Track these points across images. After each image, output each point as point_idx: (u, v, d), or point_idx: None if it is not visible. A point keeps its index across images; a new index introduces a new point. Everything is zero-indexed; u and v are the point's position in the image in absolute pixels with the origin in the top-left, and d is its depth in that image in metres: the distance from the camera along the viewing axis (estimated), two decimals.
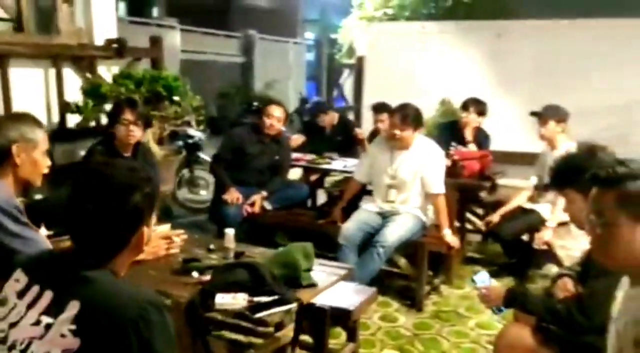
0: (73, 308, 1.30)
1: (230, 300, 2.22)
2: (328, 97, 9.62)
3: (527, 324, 2.37)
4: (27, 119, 2.30)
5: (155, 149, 4.65)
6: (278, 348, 2.84)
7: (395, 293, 4.09)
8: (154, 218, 1.52)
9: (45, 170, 2.31)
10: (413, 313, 3.84)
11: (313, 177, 5.59)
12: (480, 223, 4.93)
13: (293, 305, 2.31)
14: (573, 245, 3.32)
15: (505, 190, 4.91)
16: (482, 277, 2.49)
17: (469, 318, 3.79)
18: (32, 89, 4.80)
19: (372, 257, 3.73)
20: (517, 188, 4.68)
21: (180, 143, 5.93)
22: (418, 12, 8.51)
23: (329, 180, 5.71)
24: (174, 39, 10.52)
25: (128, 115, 3.56)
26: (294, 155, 5.22)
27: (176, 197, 6.04)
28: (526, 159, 5.07)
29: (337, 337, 3.15)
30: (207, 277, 2.39)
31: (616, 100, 6.79)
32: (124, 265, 1.48)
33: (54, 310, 1.33)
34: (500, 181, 5.00)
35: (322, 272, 2.59)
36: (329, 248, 3.78)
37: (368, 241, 3.83)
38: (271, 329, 3.03)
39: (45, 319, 1.33)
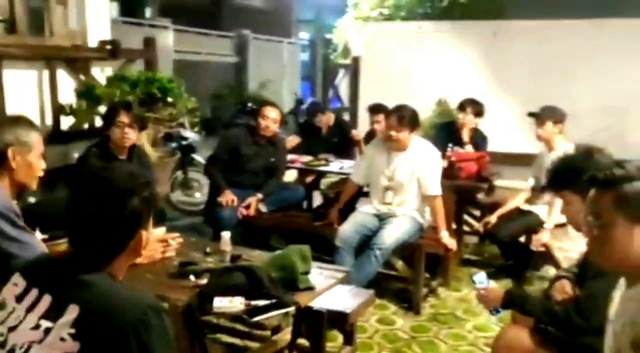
0: (72, 312, 1.31)
1: (228, 304, 2.22)
2: (323, 97, 9.58)
3: (526, 326, 2.38)
4: (22, 122, 2.29)
5: (149, 151, 4.63)
6: (275, 351, 2.84)
7: (392, 295, 4.09)
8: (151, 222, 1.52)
9: (41, 173, 2.30)
10: (410, 316, 3.84)
11: (309, 179, 5.57)
12: (477, 225, 4.93)
13: (291, 309, 2.30)
14: (570, 247, 3.32)
15: (503, 192, 4.92)
16: (481, 278, 2.50)
17: (467, 320, 3.79)
18: (26, 91, 4.77)
19: (369, 260, 3.73)
20: (515, 190, 4.68)
21: (174, 145, 5.92)
22: (414, 12, 8.51)
23: (324, 182, 5.71)
24: (167, 40, 10.49)
25: (123, 118, 3.56)
26: (290, 156, 5.21)
27: (170, 200, 6.02)
28: (523, 160, 5.08)
29: (334, 340, 3.14)
30: (204, 281, 2.38)
31: (612, 100, 6.83)
32: (122, 268, 1.49)
33: (53, 314, 1.34)
34: (498, 182, 5.01)
35: (319, 275, 2.59)
36: (325, 251, 3.77)
37: (365, 243, 3.82)
38: (268, 333, 3.03)
39: (45, 323, 1.34)
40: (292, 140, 6.01)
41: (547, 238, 3.88)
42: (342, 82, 9.46)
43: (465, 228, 5.13)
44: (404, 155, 3.94)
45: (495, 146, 5.27)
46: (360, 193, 4.53)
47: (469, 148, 4.97)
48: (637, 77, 6.77)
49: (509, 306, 2.40)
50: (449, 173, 4.45)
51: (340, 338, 3.07)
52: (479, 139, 5.05)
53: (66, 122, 4.98)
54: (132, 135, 3.60)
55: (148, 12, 14.30)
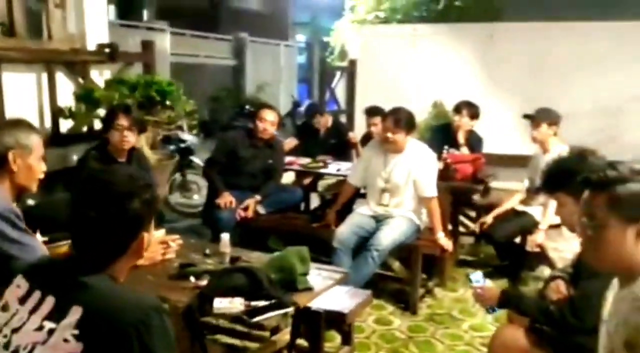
0: (75, 313, 1.32)
1: (228, 305, 2.24)
2: (320, 100, 9.63)
3: (521, 325, 2.41)
4: (22, 125, 2.30)
5: (148, 153, 4.65)
6: (274, 352, 2.86)
7: (389, 296, 4.12)
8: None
9: (41, 176, 2.32)
10: (407, 316, 3.87)
11: (306, 181, 5.60)
12: (473, 226, 4.97)
13: (290, 309, 2.33)
14: (565, 248, 3.36)
15: (498, 193, 4.95)
16: (477, 277, 2.53)
17: (463, 320, 3.82)
18: (25, 94, 4.78)
19: (367, 261, 3.76)
20: (510, 191, 4.72)
21: (173, 147, 5.94)
22: (410, 15, 8.53)
23: (322, 184, 5.73)
24: (164, 42, 10.49)
25: (122, 121, 3.57)
26: (287, 158, 5.23)
27: (168, 202, 6.04)
28: (518, 162, 5.12)
29: (332, 340, 3.17)
30: (204, 282, 2.40)
31: (607, 101, 6.87)
32: (124, 270, 1.51)
33: (56, 315, 1.35)
34: (493, 184, 5.04)
35: (317, 275, 2.61)
36: (323, 252, 3.79)
37: (362, 245, 3.85)
38: (267, 333, 3.06)
39: (48, 324, 1.35)
40: (290, 142, 6.04)
41: (542, 239, 3.92)
42: (339, 85, 9.49)
43: (461, 229, 5.16)
44: (400, 157, 3.97)
45: (491, 148, 5.30)
46: (358, 195, 4.56)
47: (465, 150, 5.00)
48: (632, 79, 6.81)
49: (504, 306, 2.44)
50: (444, 175, 4.49)
51: (338, 338, 3.09)
52: (474, 141, 5.08)
53: (65, 125, 5.00)
54: (131, 138, 3.62)
55: (145, 14, 14.29)
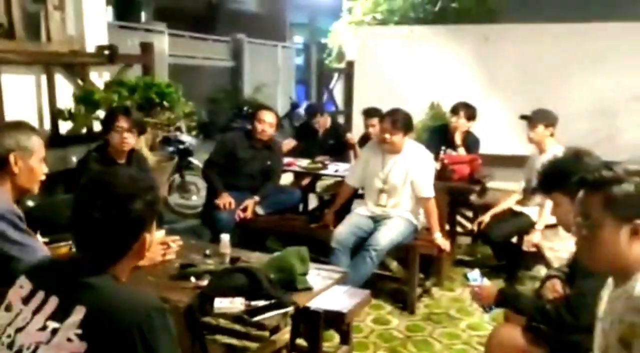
0: (79, 313, 1.34)
1: (228, 304, 2.26)
2: (318, 101, 9.68)
3: (518, 324, 2.43)
4: (23, 127, 2.32)
5: (147, 154, 4.67)
6: (274, 351, 2.88)
7: (387, 296, 4.14)
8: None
9: (42, 177, 2.33)
10: (405, 316, 3.89)
11: (304, 182, 5.62)
12: (470, 226, 5.00)
13: (289, 309, 2.35)
14: (561, 247, 3.38)
15: (495, 193, 4.98)
16: (475, 275, 2.56)
17: (460, 320, 3.84)
18: (24, 96, 4.79)
19: (365, 261, 3.78)
20: (507, 191, 4.75)
21: (172, 149, 5.95)
22: (407, 16, 8.57)
23: (320, 185, 5.75)
24: (162, 44, 10.50)
25: (122, 123, 3.59)
26: (286, 159, 5.25)
27: (167, 203, 6.06)
28: (515, 162, 5.15)
29: (331, 340, 3.18)
30: (205, 282, 2.42)
31: (603, 102, 6.91)
32: (126, 271, 1.53)
33: (59, 315, 1.37)
34: (490, 184, 5.06)
35: (317, 275, 2.63)
36: (321, 253, 3.81)
37: (360, 245, 3.87)
38: (267, 333, 3.08)
39: (52, 324, 1.37)
40: (288, 144, 6.07)
41: (538, 238, 3.94)
42: (337, 86, 9.53)
43: (459, 229, 5.19)
44: (398, 158, 4.00)
45: (488, 148, 5.33)
46: (356, 195, 4.58)
47: (462, 151, 5.03)
48: (628, 80, 6.85)
49: (501, 304, 2.46)
50: (442, 175, 4.52)
51: (336, 338, 3.10)
52: (471, 142, 5.10)
53: (64, 127, 5.01)
54: (131, 140, 3.64)
55: (143, 16, 14.30)
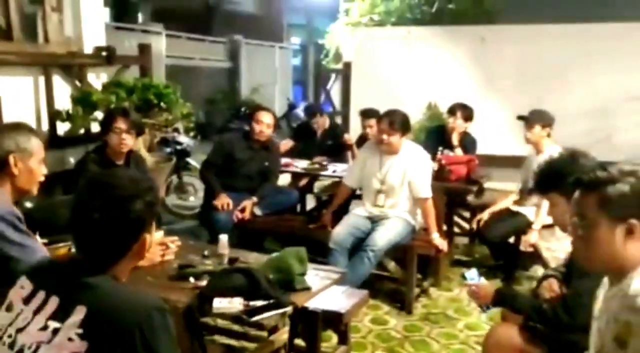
0: (80, 312, 1.35)
1: (227, 304, 2.28)
2: (315, 102, 9.70)
3: (515, 323, 2.44)
4: (22, 128, 2.33)
5: (145, 156, 4.67)
6: (272, 351, 2.89)
7: (385, 296, 4.15)
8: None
9: (42, 179, 2.34)
10: (403, 316, 3.90)
11: (302, 182, 5.63)
12: (468, 227, 5.02)
13: (288, 308, 2.36)
14: (558, 247, 3.39)
15: (492, 194, 5.00)
16: (472, 274, 2.58)
17: (458, 320, 3.86)
18: (22, 97, 4.80)
19: (362, 261, 3.79)
20: (504, 192, 4.77)
21: (169, 150, 5.97)
22: (404, 17, 8.59)
23: (318, 185, 5.76)
24: (160, 45, 10.51)
25: (120, 124, 3.60)
26: (284, 160, 5.26)
27: (165, 204, 6.06)
28: (512, 162, 5.17)
29: (329, 340, 3.19)
30: (203, 282, 2.43)
31: (598, 103, 6.92)
32: (126, 271, 1.54)
33: (60, 315, 1.38)
34: (487, 184, 5.08)
35: (315, 276, 2.65)
36: (319, 253, 3.82)
37: (358, 245, 3.89)
38: (265, 333, 3.09)
39: (53, 324, 1.38)
40: (286, 144, 6.08)
41: (536, 239, 3.96)
42: (334, 87, 9.53)
43: (456, 229, 5.21)
44: (396, 159, 4.01)
45: (485, 149, 5.35)
46: (353, 196, 4.59)
47: (459, 151, 5.04)
48: (624, 81, 6.86)
49: (499, 304, 2.47)
50: (439, 176, 4.54)
51: (334, 338, 3.11)
52: (468, 143, 5.12)
53: (62, 128, 5.01)
54: (129, 141, 3.65)
55: (140, 17, 14.30)
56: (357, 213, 4.11)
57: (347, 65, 8.45)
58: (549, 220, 2.89)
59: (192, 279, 2.49)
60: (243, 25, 15.08)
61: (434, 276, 4.40)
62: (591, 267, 1.64)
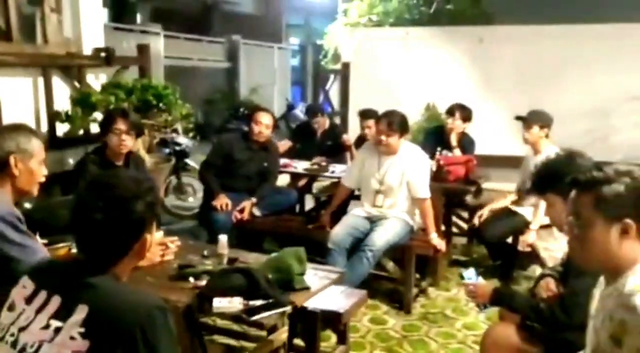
0: (81, 312, 1.36)
1: (227, 304, 2.29)
2: (315, 102, 9.73)
3: (513, 322, 2.46)
4: (23, 129, 2.34)
5: (145, 156, 4.68)
6: (271, 351, 2.90)
7: (383, 296, 4.17)
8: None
9: (42, 179, 2.35)
10: (401, 316, 3.91)
11: (301, 183, 5.64)
12: (466, 227, 5.03)
13: (287, 308, 2.38)
14: (555, 247, 3.41)
15: (490, 194, 5.01)
16: (470, 274, 2.59)
17: (456, 319, 3.87)
18: (21, 98, 4.81)
19: (361, 261, 3.80)
20: (502, 192, 4.78)
21: (168, 150, 5.97)
22: (402, 18, 8.62)
23: (316, 186, 5.77)
24: (158, 45, 10.51)
25: (120, 125, 3.60)
26: (282, 161, 5.27)
27: (164, 204, 6.07)
28: (510, 163, 5.19)
29: (328, 340, 3.21)
30: (203, 282, 2.45)
31: (596, 104, 6.95)
32: (126, 271, 1.55)
33: (62, 314, 1.39)
34: (485, 185, 5.10)
35: (314, 276, 2.66)
36: (318, 253, 3.83)
37: (356, 245, 3.90)
38: (264, 333, 3.10)
39: (55, 323, 1.39)
40: (284, 145, 6.08)
41: (533, 238, 3.97)
42: (333, 87, 9.55)
43: (454, 229, 5.22)
44: (394, 159, 4.02)
45: (483, 149, 5.36)
46: (352, 196, 4.61)
47: (457, 152, 5.05)
48: (621, 81, 6.89)
49: (496, 303, 2.49)
50: (437, 176, 4.55)
51: (333, 338, 3.12)
52: (466, 143, 5.13)
53: (61, 129, 5.02)
54: (129, 142, 3.65)
55: (138, 18, 14.30)
56: (356, 214, 4.12)
57: (346, 66, 8.47)
58: (547, 220, 2.91)
59: (191, 279, 2.50)
60: (241, 26, 15.08)
61: (432, 276, 4.41)
62: (587, 266, 1.65)
